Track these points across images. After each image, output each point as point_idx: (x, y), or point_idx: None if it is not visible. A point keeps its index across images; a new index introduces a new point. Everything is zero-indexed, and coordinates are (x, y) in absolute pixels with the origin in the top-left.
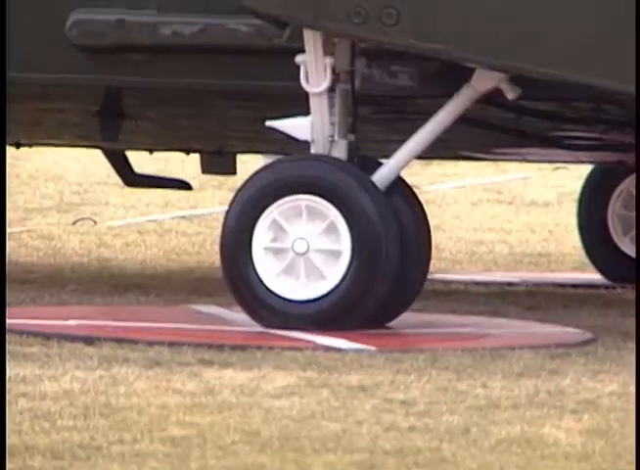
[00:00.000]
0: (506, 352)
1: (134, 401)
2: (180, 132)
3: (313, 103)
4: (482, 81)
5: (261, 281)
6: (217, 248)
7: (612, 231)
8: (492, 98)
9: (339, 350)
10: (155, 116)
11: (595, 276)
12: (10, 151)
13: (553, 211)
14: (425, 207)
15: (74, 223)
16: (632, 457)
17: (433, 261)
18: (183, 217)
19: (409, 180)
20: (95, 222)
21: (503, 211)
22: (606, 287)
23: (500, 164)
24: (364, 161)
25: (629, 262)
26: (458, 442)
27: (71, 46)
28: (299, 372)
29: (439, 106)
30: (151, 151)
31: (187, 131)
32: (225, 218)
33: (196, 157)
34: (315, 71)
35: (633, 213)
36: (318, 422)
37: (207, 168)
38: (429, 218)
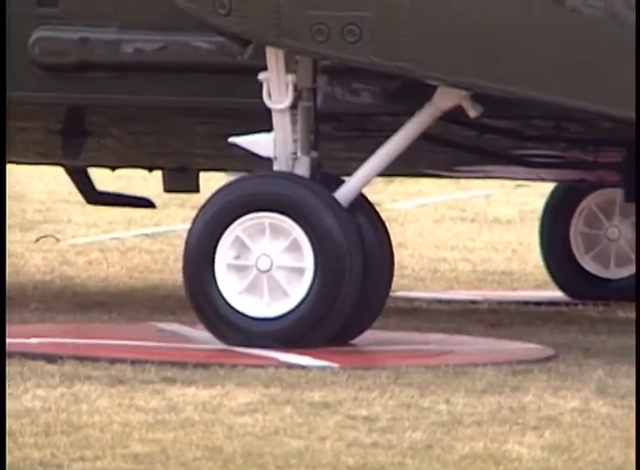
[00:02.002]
0: (469, 368)
1: (96, 419)
2: (143, 150)
3: (276, 120)
4: (444, 99)
5: (224, 299)
6: (180, 265)
7: (574, 249)
8: (454, 116)
9: (302, 367)
10: (117, 133)
11: (557, 294)
12: None
13: (515, 228)
14: (387, 224)
15: (37, 241)
16: None
17: (395, 279)
18: (146, 235)
19: (371, 198)
20: (58, 240)
21: (466, 229)
22: (567, 304)
23: (462, 181)
24: (326, 178)
25: (591, 280)
26: (421, 457)
27: (34, 64)
28: (262, 389)
29: (401, 123)
30: (113, 168)
31: (150, 149)
32: (188, 236)
33: (159, 174)
34: (277, 89)
35: (595, 231)
36: (281, 438)
37: (170, 186)
38: (391, 236)
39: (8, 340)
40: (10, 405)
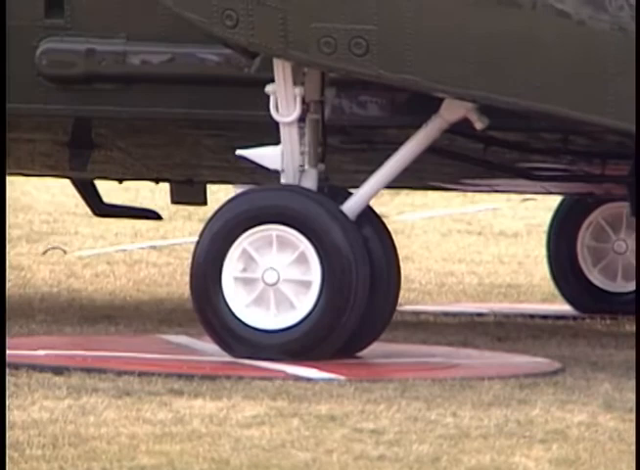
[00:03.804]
0: (476, 382)
1: (103, 431)
2: (150, 162)
3: (283, 132)
4: (451, 111)
5: (231, 311)
6: (187, 278)
7: (581, 262)
8: (461, 128)
9: (309, 379)
10: (124, 145)
11: (564, 307)
12: None
13: (522, 242)
14: (394, 237)
15: (44, 253)
16: None
17: (402, 292)
18: (153, 247)
19: (378, 210)
20: (65, 252)
21: (472, 242)
22: (575, 318)
23: (469, 194)
24: (334, 190)
25: (598, 294)
26: None
27: (41, 76)
28: (269, 402)
29: (408, 136)
30: (120, 180)
31: (157, 161)
32: (195, 249)
33: (166, 186)
34: (285, 101)
35: (602, 245)
36: (288, 451)
37: (177, 198)
38: (398, 249)
39: (15, 352)
40: (17, 417)
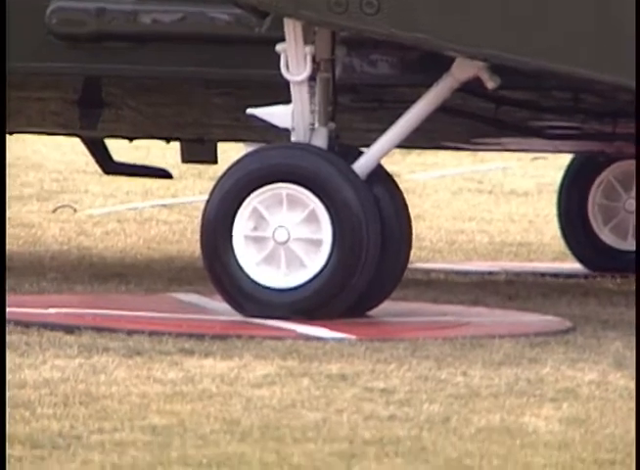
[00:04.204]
0: (486, 340)
1: (114, 390)
2: (160, 120)
3: (294, 91)
4: (462, 70)
5: (242, 270)
6: (198, 237)
7: (592, 221)
8: (472, 87)
9: (319, 339)
10: (135, 104)
11: (575, 266)
12: None
13: (532, 200)
14: (405, 196)
15: (54, 211)
16: (611, 446)
17: (413, 250)
18: (163, 206)
19: (389, 169)
20: (75, 210)
21: (483, 201)
22: (585, 276)
23: (480, 153)
24: (344, 149)
25: (609, 252)
26: (438, 430)
27: (51, 34)
28: (280, 361)
29: (419, 94)
30: (131, 139)
31: (167, 119)
32: (206, 207)
33: (176, 145)
34: (295, 60)
35: (613, 203)
36: (298, 411)
37: (188, 157)
38: (409, 207)
39: (26, 310)
40: (29, 376)
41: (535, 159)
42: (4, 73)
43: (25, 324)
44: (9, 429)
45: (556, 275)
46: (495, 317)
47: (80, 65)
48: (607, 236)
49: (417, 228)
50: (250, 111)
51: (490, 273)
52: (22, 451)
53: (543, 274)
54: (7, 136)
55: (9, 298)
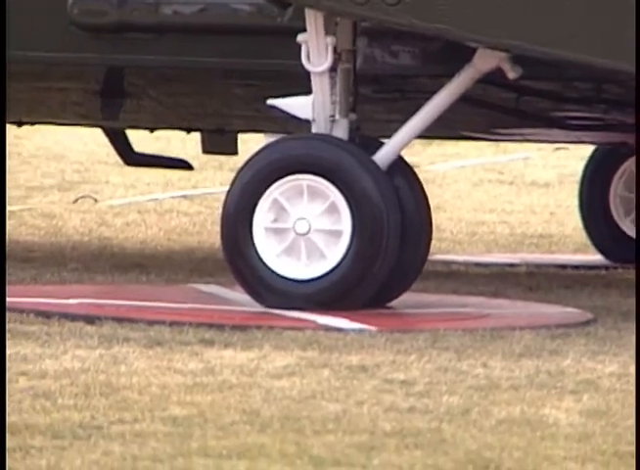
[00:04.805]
0: (507, 332)
1: (135, 381)
2: (181, 111)
3: (315, 82)
4: (484, 61)
5: (262, 261)
6: (218, 228)
7: (613, 212)
8: (493, 78)
9: (339, 330)
10: (156, 94)
11: (596, 257)
12: (12, 129)
13: (554, 191)
14: (425, 187)
15: (75, 202)
16: (632, 438)
17: (433, 242)
18: (184, 197)
19: (409, 160)
20: (96, 201)
21: (504, 192)
22: (607, 268)
23: (501, 144)
24: (365, 140)
25: (631, 243)
26: (458, 422)
27: (74, 24)
28: (300, 352)
29: (441, 85)
30: (152, 130)
31: (188, 110)
32: (226, 198)
33: (197, 136)
34: (317, 51)
35: (635, 195)
36: (318, 402)
37: (208, 148)
38: (429, 198)
39: (47, 300)
40: (49, 366)
41: (557, 149)
42: (4, 72)
43: (46, 314)
44: (29, 419)
45: (577, 267)
46: (516, 309)
47: (102, 55)
48: (628, 227)
49: (437, 219)
50: (270, 101)
51: (511, 265)
52: (42, 442)
53: (564, 266)
54: (29, 127)
55: (30, 288)
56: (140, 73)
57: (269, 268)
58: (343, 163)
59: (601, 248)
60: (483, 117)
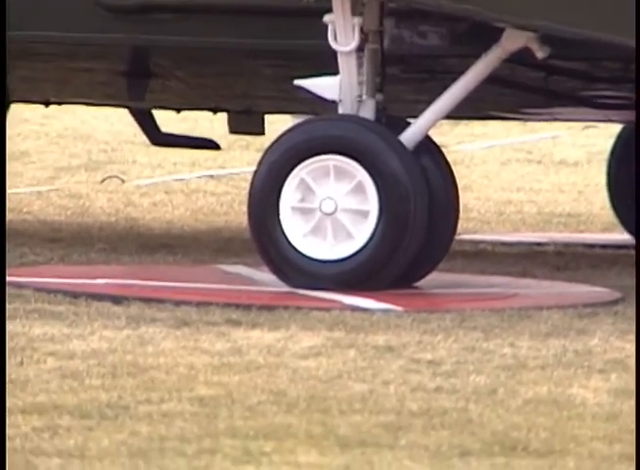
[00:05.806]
0: (534, 311)
1: (162, 361)
2: (208, 91)
3: (341, 62)
4: (512, 41)
5: (289, 241)
6: (245, 208)
7: None
8: (521, 57)
9: (366, 310)
10: (182, 75)
11: (624, 236)
12: (39, 109)
13: (582, 170)
14: (453, 166)
15: (102, 182)
16: None
17: (461, 222)
18: (211, 177)
19: (437, 140)
20: (123, 181)
21: (532, 171)
22: (635, 247)
23: (529, 123)
24: (392, 120)
25: None
26: (485, 402)
27: (99, 5)
28: (326, 332)
29: (468, 65)
30: (178, 110)
31: (215, 91)
32: (253, 178)
33: (224, 116)
34: (344, 31)
35: None
36: (345, 382)
37: (236, 128)
38: (457, 178)
39: (74, 280)
40: (77, 346)
41: (586, 128)
42: (4, 70)
43: (74, 295)
44: (57, 400)
45: (605, 246)
46: (543, 288)
47: (128, 35)
48: None
49: (465, 199)
50: (297, 82)
51: (539, 244)
52: (70, 421)
53: (592, 245)
54: (57, 106)
55: (58, 268)
56: (166, 54)
57: (296, 249)
58: (370, 143)
59: (629, 227)
60: (511, 96)
